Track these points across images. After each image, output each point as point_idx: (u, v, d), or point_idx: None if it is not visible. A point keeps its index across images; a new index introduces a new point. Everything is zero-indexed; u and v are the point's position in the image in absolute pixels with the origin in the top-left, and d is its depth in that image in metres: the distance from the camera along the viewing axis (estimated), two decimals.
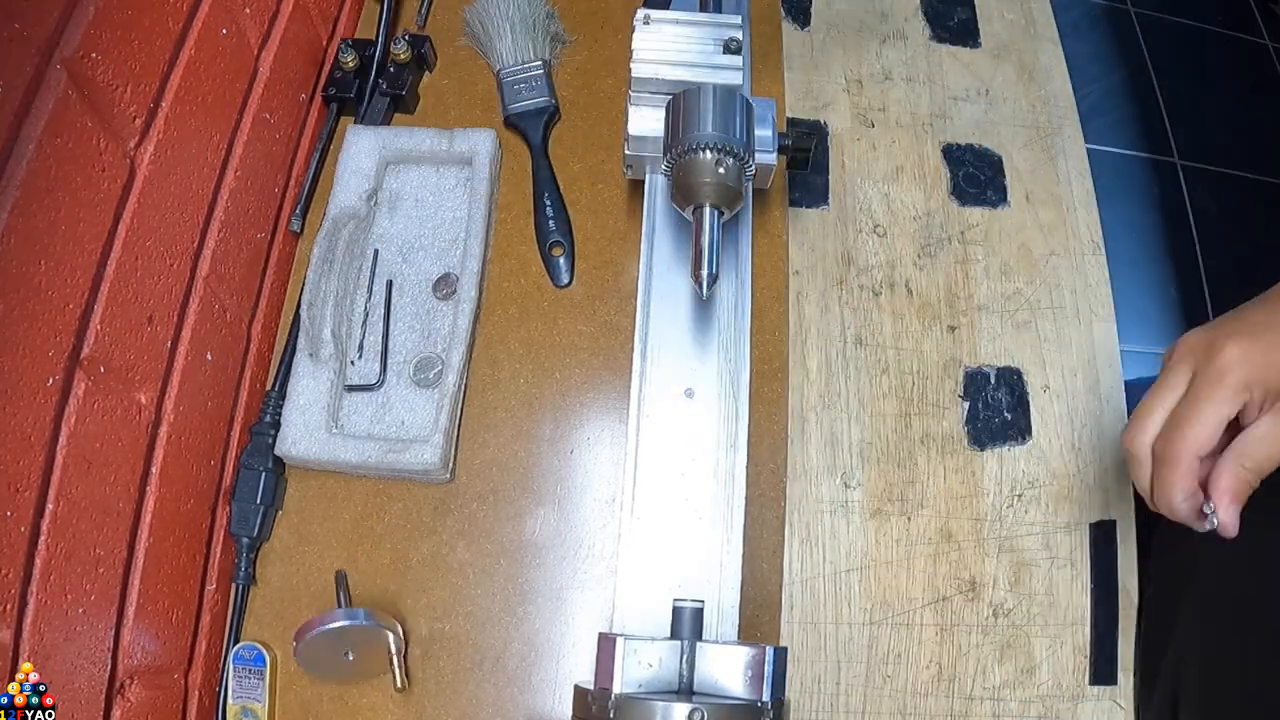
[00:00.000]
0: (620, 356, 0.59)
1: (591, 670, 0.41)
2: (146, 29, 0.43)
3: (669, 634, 0.40)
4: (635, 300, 0.52)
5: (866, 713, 0.52)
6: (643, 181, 0.56)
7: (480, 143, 0.62)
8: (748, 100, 0.47)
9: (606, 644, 0.38)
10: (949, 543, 0.56)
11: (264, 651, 0.51)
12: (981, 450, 0.58)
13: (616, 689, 0.37)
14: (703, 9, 0.54)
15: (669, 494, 0.47)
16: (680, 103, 0.46)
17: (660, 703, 0.36)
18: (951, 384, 0.59)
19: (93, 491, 0.41)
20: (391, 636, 0.49)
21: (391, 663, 0.49)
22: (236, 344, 0.56)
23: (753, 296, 0.53)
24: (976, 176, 0.65)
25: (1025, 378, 0.59)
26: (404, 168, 0.63)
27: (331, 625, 0.48)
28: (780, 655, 0.40)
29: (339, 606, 0.51)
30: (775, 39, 0.69)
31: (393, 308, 0.59)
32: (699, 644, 0.40)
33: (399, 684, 0.49)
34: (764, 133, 0.50)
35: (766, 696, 0.39)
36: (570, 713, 0.40)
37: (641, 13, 0.51)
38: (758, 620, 0.53)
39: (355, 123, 0.64)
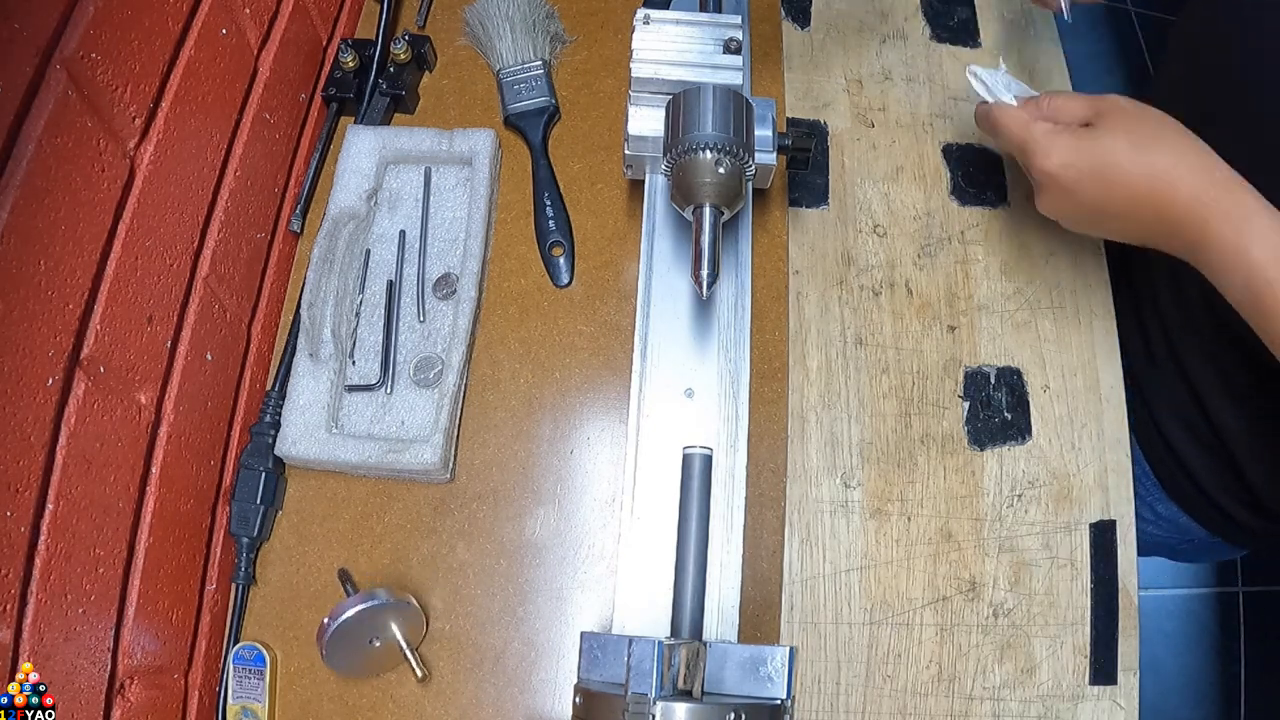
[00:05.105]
0: (620, 356, 0.59)
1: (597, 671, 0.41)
2: (146, 29, 0.43)
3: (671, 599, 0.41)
4: (635, 300, 0.52)
5: (866, 713, 0.52)
6: (643, 181, 0.56)
7: (480, 143, 0.62)
8: (748, 100, 0.47)
9: (640, 645, 0.38)
10: (949, 543, 0.56)
11: (264, 651, 0.51)
12: (981, 450, 0.58)
13: (649, 692, 0.37)
14: (703, 9, 0.54)
15: (669, 494, 0.47)
16: (680, 103, 0.46)
17: (702, 707, 0.36)
18: (951, 384, 0.59)
19: (93, 491, 0.41)
20: (414, 608, 0.50)
21: (407, 653, 0.50)
22: (236, 344, 0.56)
23: (753, 296, 0.53)
24: (976, 176, 0.65)
25: (1025, 378, 0.59)
26: (404, 168, 0.63)
27: (357, 609, 0.48)
28: (793, 655, 0.40)
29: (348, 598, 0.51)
30: (775, 39, 0.69)
31: (393, 308, 0.59)
32: (708, 644, 0.40)
33: (419, 673, 0.50)
34: (764, 133, 0.50)
35: (785, 695, 0.39)
36: (570, 713, 0.40)
37: (641, 13, 0.51)
38: (758, 620, 0.53)
39: (355, 123, 0.64)
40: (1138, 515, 0.56)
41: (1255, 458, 0.59)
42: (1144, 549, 0.58)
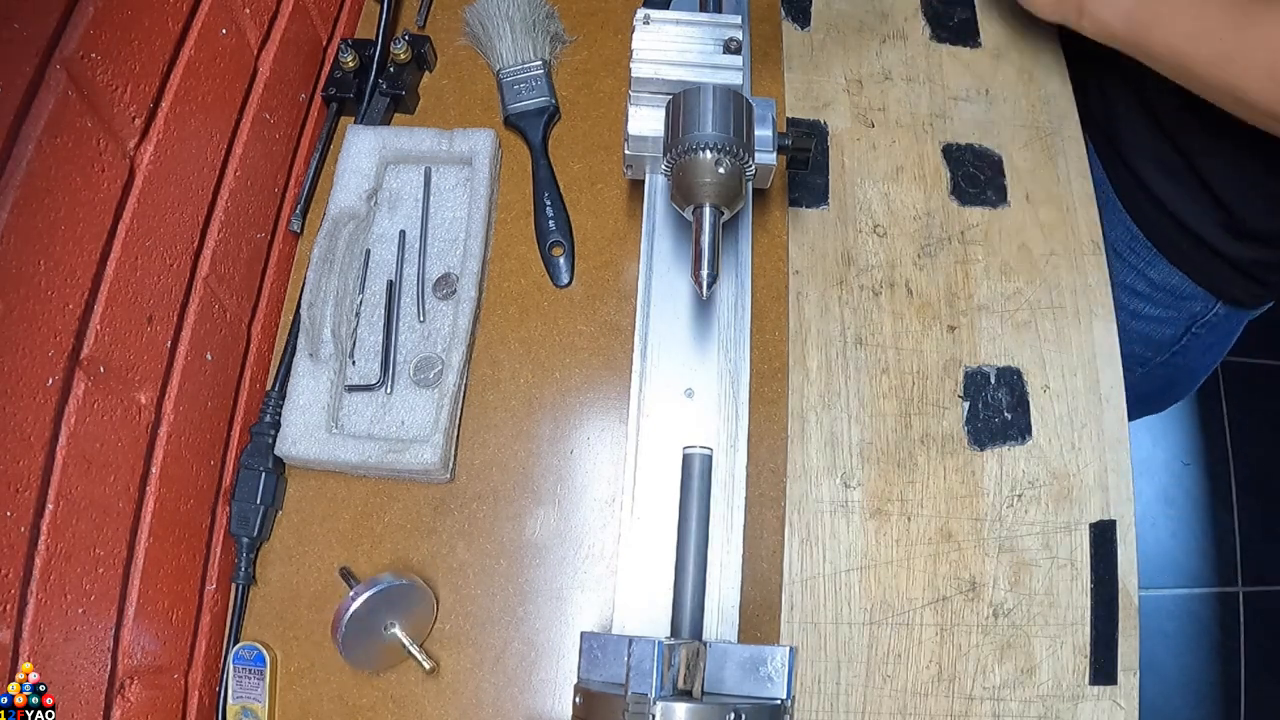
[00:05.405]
0: (620, 356, 0.59)
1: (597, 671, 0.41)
2: (146, 29, 0.43)
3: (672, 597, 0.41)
4: (635, 300, 0.52)
5: (866, 713, 0.52)
6: (643, 181, 0.56)
7: (480, 143, 0.62)
8: (748, 100, 0.47)
9: (640, 645, 0.38)
10: (949, 543, 0.56)
11: (264, 651, 0.51)
12: (981, 450, 0.58)
13: (649, 692, 0.37)
14: (703, 9, 0.54)
15: (669, 494, 0.47)
16: (680, 103, 0.46)
17: (702, 707, 0.36)
18: (951, 384, 0.59)
19: (93, 491, 0.41)
20: (425, 590, 0.51)
21: (412, 650, 0.50)
22: (236, 344, 0.56)
23: (753, 296, 0.53)
24: (976, 176, 0.65)
25: (1025, 378, 0.59)
26: (404, 168, 0.63)
27: (370, 592, 0.48)
28: (793, 655, 0.40)
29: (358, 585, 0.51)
30: (775, 39, 0.69)
31: (393, 308, 0.59)
32: (708, 644, 0.40)
33: (426, 666, 0.50)
34: (764, 133, 0.50)
35: (785, 695, 0.39)
36: (570, 713, 0.40)
37: (641, 13, 0.51)
38: (758, 620, 0.53)
39: (355, 123, 0.64)
40: (1132, 293, 0.61)
41: (1223, 173, 0.66)
42: (1139, 387, 0.61)
